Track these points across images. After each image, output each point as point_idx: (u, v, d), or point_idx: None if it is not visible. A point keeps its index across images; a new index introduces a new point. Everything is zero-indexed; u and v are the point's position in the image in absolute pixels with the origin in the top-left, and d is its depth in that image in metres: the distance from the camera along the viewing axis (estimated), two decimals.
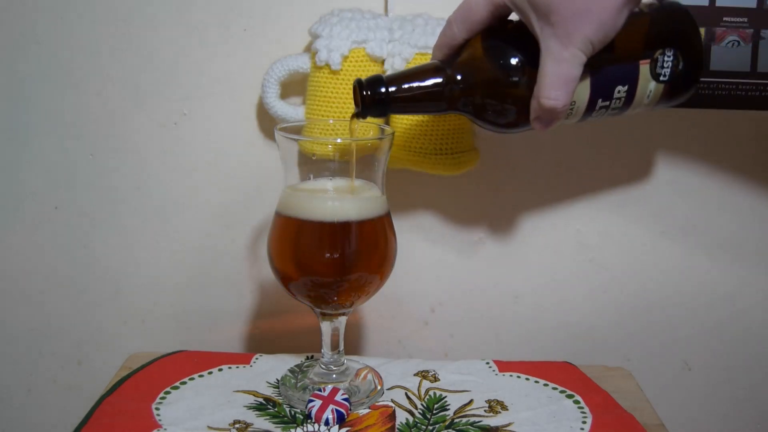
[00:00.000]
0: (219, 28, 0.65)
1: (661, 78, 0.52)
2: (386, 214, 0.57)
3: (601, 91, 0.51)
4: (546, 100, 0.48)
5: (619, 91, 0.51)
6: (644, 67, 0.51)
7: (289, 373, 0.60)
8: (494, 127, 0.53)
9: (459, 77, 0.51)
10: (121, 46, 0.66)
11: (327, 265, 0.53)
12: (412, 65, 0.61)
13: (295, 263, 0.55)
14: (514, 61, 0.50)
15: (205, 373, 0.60)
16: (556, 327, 0.73)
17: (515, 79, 0.50)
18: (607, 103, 0.52)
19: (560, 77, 0.47)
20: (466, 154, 0.63)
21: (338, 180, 0.56)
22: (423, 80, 0.51)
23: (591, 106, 0.51)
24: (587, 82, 0.50)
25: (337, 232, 0.53)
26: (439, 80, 0.51)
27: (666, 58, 0.52)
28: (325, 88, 0.61)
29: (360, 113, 0.52)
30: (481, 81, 0.50)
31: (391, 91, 0.50)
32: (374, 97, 0.50)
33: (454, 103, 0.51)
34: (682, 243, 0.71)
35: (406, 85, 0.51)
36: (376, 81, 0.51)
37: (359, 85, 0.51)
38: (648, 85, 0.52)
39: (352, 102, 0.61)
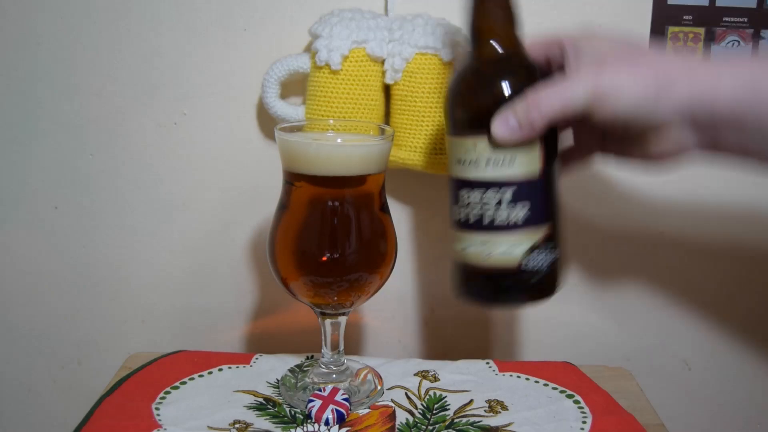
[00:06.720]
0: (219, 28, 0.65)
1: None
2: (386, 212, 0.57)
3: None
4: (535, 96, 0.47)
5: None
6: None
7: (289, 373, 0.60)
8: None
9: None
10: (121, 46, 0.66)
11: (327, 264, 0.53)
12: (412, 66, 0.61)
13: (295, 261, 0.55)
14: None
15: (205, 373, 0.60)
16: (556, 327, 0.73)
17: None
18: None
19: (563, 90, 0.47)
20: None
21: None
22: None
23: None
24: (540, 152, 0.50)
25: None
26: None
27: None
28: (325, 88, 0.61)
29: None
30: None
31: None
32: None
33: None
34: (682, 242, 0.71)
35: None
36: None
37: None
38: None
39: (352, 102, 0.61)
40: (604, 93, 0.45)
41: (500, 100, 0.49)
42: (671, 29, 0.66)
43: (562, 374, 0.61)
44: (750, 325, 0.73)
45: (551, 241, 0.51)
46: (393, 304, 0.72)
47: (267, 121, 0.67)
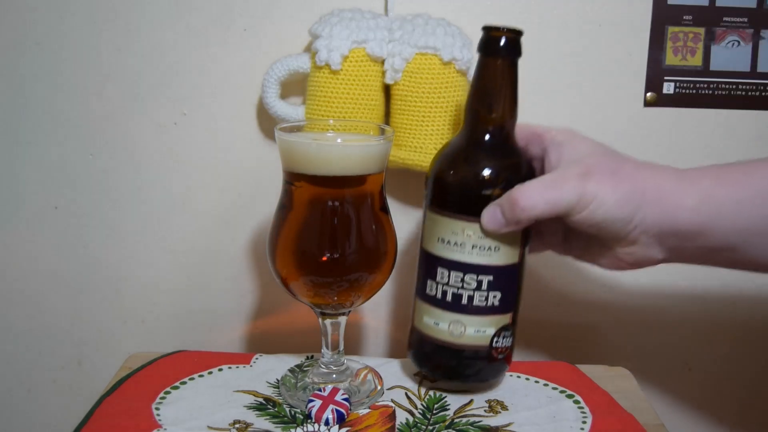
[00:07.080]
0: (219, 28, 0.65)
1: None
2: (386, 212, 0.57)
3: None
4: (522, 195, 0.48)
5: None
6: None
7: (289, 373, 0.60)
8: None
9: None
10: (121, 46, 0.66)
11: (327, 264, 0.53)
12: (412, 66, 0.61)
13: (295, 261, 0.55)
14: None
15: (205, 373, 0.60)
16: (556, 327, 0.73)
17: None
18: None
19: (550, 191, 0.48)
20: None
21: None
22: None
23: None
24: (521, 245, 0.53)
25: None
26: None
27: None
28: (325, 88, 0.61)
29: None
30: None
31: None
32: None
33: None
34: None
35: None
36: None
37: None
38: None
39: (352, 102, 0.61)
40: (588, 200, 0.48)
41: (491, 194, 0.51)
42: (671, 29, 0.66)
43: (562, 374, 0.61)
44: (750, 325, 0.73)
45: (515, 321, 0.55)
46: (393, 304, 0.72)
47: (267, 121, 0.67)
